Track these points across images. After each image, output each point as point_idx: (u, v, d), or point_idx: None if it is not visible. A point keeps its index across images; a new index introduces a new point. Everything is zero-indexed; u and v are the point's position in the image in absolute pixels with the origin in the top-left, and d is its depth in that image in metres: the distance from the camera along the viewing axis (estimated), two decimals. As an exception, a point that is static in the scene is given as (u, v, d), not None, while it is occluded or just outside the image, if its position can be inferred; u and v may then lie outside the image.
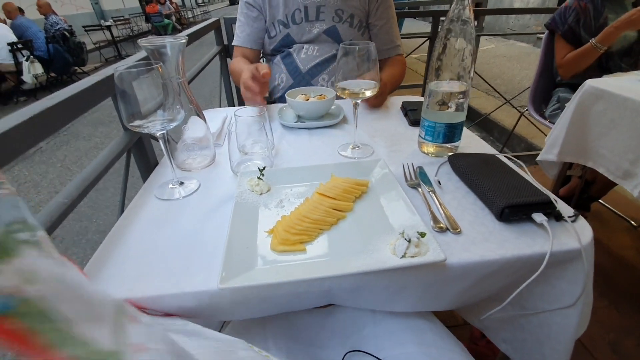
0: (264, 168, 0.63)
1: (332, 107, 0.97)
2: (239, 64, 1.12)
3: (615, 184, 1.35)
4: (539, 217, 0.51)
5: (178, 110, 0.61)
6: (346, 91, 0.69)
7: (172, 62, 0.66)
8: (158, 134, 0.60)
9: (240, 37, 1.20)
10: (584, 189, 1.48)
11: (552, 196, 0.54)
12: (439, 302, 0.53)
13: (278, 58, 1.18)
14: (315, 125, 0.91)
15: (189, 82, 1.16)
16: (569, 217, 0.52)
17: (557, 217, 0.53)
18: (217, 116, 0.95)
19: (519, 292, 0.49)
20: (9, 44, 4.75)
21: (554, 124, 1.27)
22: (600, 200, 1.63)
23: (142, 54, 0.83)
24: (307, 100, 0.92)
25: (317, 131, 0.90)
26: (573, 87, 1.15)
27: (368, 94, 0.68)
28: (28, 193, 2.67)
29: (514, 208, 0.52)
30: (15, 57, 4.86)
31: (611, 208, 1.65)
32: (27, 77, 4.86)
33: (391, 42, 1.18)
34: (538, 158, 1.28)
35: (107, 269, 0.48)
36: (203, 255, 0.50)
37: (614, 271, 1.37)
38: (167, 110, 0.60)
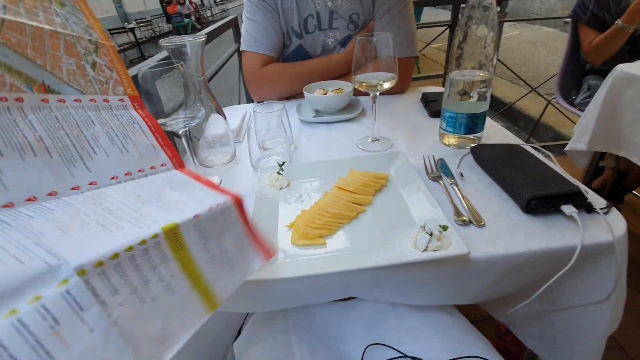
0: (284, 163, 0.64)
1: (350, 101, 0.96)
2: (289, 66, 1.03)
3: (652, 174, 1.28)
4: (568, 208, 0.49)
5: (199, 108, 0.62)
6: (364, 84, 0.68)
7: (192, 60, 0.68)
8: (180, 132, 0.61)
9: (264, 42, 1.01)
10: (618, 180, 1.40)
11: (583, 187, 0.52)
12: (462, 296, 0.52)
13: None
14: (334, 120, 0.90)
15: (209, 80, 1.18)
16: (600, 208, 0.50)
17: (587, 209, 0.51)
18: (237, 113, 0.97)
19: (548, 286, 0.48)
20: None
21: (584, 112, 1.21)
22: (634, 192, 1.55)
23: (164, 54, 0.85)
24: (325, 94, 0.92)
25: (336, 125, 0.89)
26: (603, 73, 1.09)
27: (386, 86, 0.67)
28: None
29: (541, 199, 0.50)
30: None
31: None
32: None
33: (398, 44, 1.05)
34: (567, 147, 1.23)
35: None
36: (226, 249, 0.51)
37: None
38: (189, 109, 0.62)
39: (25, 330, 0.20)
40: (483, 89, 0.65)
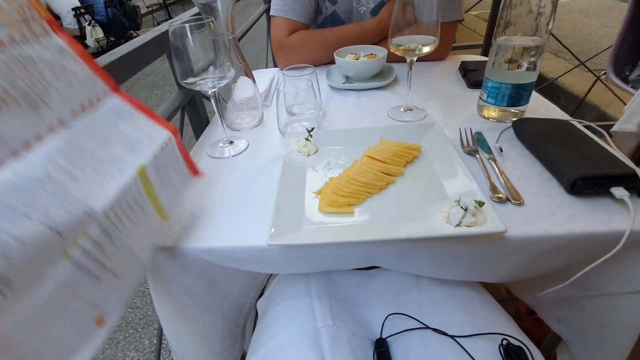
0: (312, 129, 0.62)
1: (383, 67, 0.91)
2: (318, 33, 0.96)
3: None
4: (619, 191, 0.45)
5: (228, 68, 0.60)
6: (401, 47, 0.64)
7: (223, 17, 0.65)
8: (209, 92, 0.60)
9: (294, 7, 0.95)
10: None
11: (638, 169, 0.47)
12: (491, 275, 0.51)
13: None
14: (365, 87, 0.86)
15: (239, 40, 1.15)
16: (656, 193, 0.46)
17: (640, 193, 0.47)
18: (265, 77, 0.94)
19: (585, 272, 0.45)
20: (73, 9, 5.02)
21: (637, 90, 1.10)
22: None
23: (194, 10, 0.83)
24: (357, 59, 0.87)
25: (366, 93, 0.86)
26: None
27: (425, 50, 0.63)
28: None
29: (590, 180, 0.46)
30: (78, 21, 5.14)
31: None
32: (89, 41, 5.15)
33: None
34: (614, 128, 1.13)
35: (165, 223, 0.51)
36: (252, 212, 0.51)
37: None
38: (218, 68, 0.60)
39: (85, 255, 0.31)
40: (533, 57, 0.59)
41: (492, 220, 0.42)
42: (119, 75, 0.55)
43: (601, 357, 0.55)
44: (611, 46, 1.50)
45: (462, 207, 0.42)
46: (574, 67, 1.96)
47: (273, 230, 0.43)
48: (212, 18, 0.56)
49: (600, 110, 2.16)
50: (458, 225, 0.42)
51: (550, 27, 0.57)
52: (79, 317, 0.31)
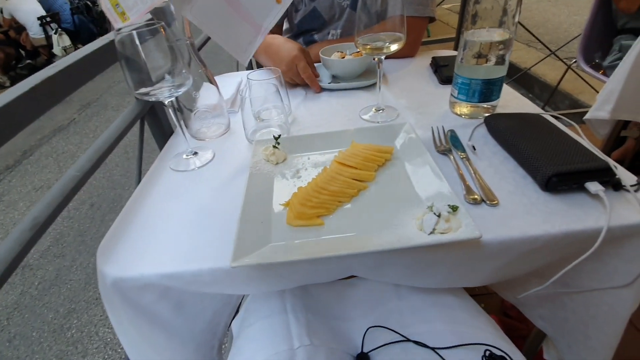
0: (279, 136, 0.59)
1: (370, 66, 0.88)
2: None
3: (678, 144, 1.20)
4: (594, 186, 0.44)
5: (186, 75, 0.56)
6: (368, 47, 0.61)
7: (178, 22, 0.61)
8: (166, 102, 0.56)
9: None
10: (640, 150, 1.32)
11: (611, 162, 0.46)
12: (470, 279, 0.49)
13: (301, 41, 1.05)
14: (353, 86, 0.83)
15: (203, 45, 1.11)
16: (630, 185, 0.45)
17: (615, 186, 0.46)
18: (232, 81, 0.90)
19: (563, 268, 0.44)
20: (38, 18, 4.81)
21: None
22: (655, 162, 1.47)
23: (148, 15, 0.78)
24: (344, 57, 0.84)
25: (338, 93, 0.83)
26: (639, 33, 0.99)
27: (393, 48, 0.60)
28: (66, 163, 2.81)
29: (564, 176, 0.45)
30: (45, 30, 4.94)
31: (668, 170, 1.48)
32: (57, 49, 4.96)
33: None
34: (587, 116, 1.14)
35: (122, 246, 0.47)
36: (218, 229, 0.48)
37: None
38: (176, 76, 0.56)
39: None
40: (502, 51, 0.58)
41: (467, 225, 0.40)
42: (59, 91, 0.50)
43: (586, 353, 0.54)
44: (580, 34, 1.52)
45: (435, 214, 0.40)
46: (545, 57, 1.98)
47: (236, 251, 0.40)
48: (162, 23, 0.52)
49: (573, 98, 2.21)
50: (432, 232, 0.40)
51: (516, 19, 0.55)
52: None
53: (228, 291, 0.47)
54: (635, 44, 0.97)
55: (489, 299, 1.14)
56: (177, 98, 0.62)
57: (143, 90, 0.54)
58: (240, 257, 0.39)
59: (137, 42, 0.50)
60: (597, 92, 1.42)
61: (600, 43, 1.46)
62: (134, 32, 0.49)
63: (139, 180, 0.63)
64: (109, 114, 3.57)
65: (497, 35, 0.57)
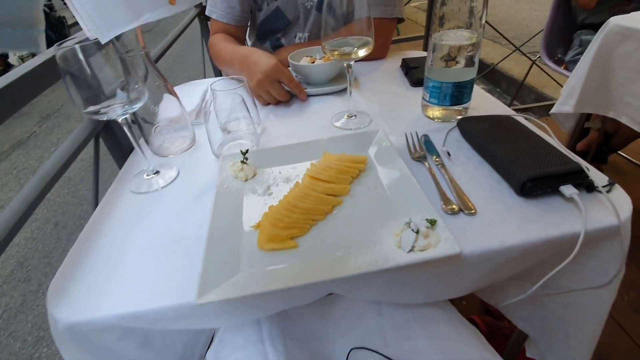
0: (247, 151, 0.55)
1: (342, 70, 0.85)
2: (229, 46, 0.88)
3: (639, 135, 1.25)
4: (568, 189, 0.43)
5: (140, 90, 0.52)
6: (336, 52, 0.59)
7: (130, 31, 0.57)
8: (120, 120, 0.52)
9: (220, 7, 0.92)
10: (603, 141, 1.37)
11: (584, 163, 0.46)
12: (450, 292, 0.47)
13: (267, 45, 1.02)
14: (324, 92, 0.80)
15: (161, 55, 1.05)
16: (603, 186, 0.45)
17: (588, 187, 0.45)
18: (196, 89, 0.85)
19: (542, 271, 0.43)
20: (-10, 26, 4.51)
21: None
22: (619, 152, 1.53)
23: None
24: (313, 62, 0.81)
25: (308, 99, 0.80)
26: (598, 28, 1.02)
27: (362, 53, 0.58)
28: (27, 179, 2.63)
29: (538, 180, 0.44)
30: None
31: (630, 158, 1.55)
32: (13, 59, 4.67)
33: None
34: (552, 110, 1.18)
35: (75, 285, 0.42)
36: (183, 257, 0.44)
37: (633, 225, 1.30)
38: (130, 91, 0.52)
39: None
40: (471, 53, 0.57)
41: (446, 240, 0.38)
42: (15, 101, 0.45)
43: (566, 352, 0.54)
44: (542, 30, 1.57)
45: (413, 230, 0.38)
46: (511, 52, 2.04)
47: (202, 284, 0.37)
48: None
49: (538, 92, 2.28)
50: (411, 250, 0.38)
51: (483, 21, 0.55)
52: None
53: (197, 326, 0.43)
54: (594, 39, 1.01)
55: (471, 298, 1.14)
56: (134, 112, 0.57)
57: (92, 108, 0.49)
58: (207, 291, 0.36)
59: (81, 56, 0.45)
60: (560, 85, 1.46)
61: (562, 39, 1.51)
62: (77, 47, 0.45)
63: (96, 204, 0.58)
64: (72, 125, 3.38)
65: (465, 37, 0.56)
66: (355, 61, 0.62)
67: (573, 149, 0.48)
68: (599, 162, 1.46)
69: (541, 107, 2.04)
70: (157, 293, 0.40)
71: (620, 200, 0.43)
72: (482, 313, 0.99)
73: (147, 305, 0.39)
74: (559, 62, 1.49)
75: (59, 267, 0.44)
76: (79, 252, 0.46)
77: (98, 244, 0.48)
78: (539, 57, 1.59)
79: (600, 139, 1.29)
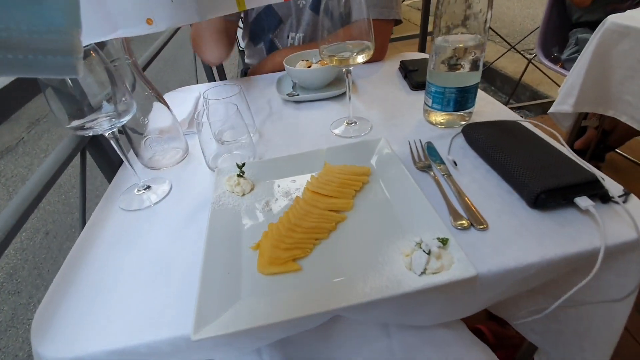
0: (244, 164, 0.53)
1: (339, 74, 0.82)
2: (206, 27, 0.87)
3: (638, 133, 1.24)
4: (583, 201, 0.41)
5: (127, 101, 0.49)
6: (334, 58, 0.56)
7: (116, 40, 0.53)
8: (107, 134, 0.49)
9: None
10: (601, 139, 1.37)
11: (598, 173, 0.44)
12: (462, 312, 0.45)
13: (261, 46, 1.00)
14: (321, 97, 0.77)
15: (149, 63, 1.01)
16: (619, 196, 0.42)
17: (602, 197, 0.43)
18: (188, 96, 0.82)
19: (557, 284, 0.41)
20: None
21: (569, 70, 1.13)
22: (616, 150, 1.53)
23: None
24: (310, 66, 0.78)
25: (307, 105, 0.77)
26: (593, 26, 1.01)
27: (361, 59, 0.56)
28: (16, 188, 2.57)
29: (552, 192, 0.42)
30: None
31: (627, 156, 1.55)
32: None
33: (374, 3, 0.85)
34: (551, 110, 1.16)
35: (60, 318, 0.39)
36: (177, 284, 0.41)
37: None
38: (117, 103, 0.48)
39: None
40: (475, 56, 0.55)
41: (460, 261, 0.36)
42: (3, 108, 0.41)
43: (581, 365, 0.52)
44: (537, 27, 1.56)
45: (424, 251, 0.36)
46: (506, 51, 2.03)
47: (198, 318, 0.34)
48: (93, 45, 0.44)
49: (533, 89, 2.28)
50: (423, 272, 0.36)
51: (488, 24, 0.52)
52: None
53: (195, 357, 0.40)
54: (592, 38, 0.99)
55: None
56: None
57: (76, 123, 0.46)
58: (203, 326, 0.33)
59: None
60: (555, 82, 1.45)
61: (557, 37, 1.50)
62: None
63: (84, 223, 0.55)
64: (62, 130, 3.31)
65: (469, 39, 0.54)
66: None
67: (571, 148, 0.47)
68: (596, 161, 1.46)
69: (536, 105, 2.04)
70: (150, 325, 0.37)
71: (638, 210, 0.41)
72: (486, 318, 0.97)
73: (139, 339, 0.36)
74: (555, 61, 1.48)
75: (43, 299, 0.41)
76: (64, 280, 0.43)
77: (86, 271, 0.44)
78: (535, 55, 1.57)
79: (598, 136, 1.28)
